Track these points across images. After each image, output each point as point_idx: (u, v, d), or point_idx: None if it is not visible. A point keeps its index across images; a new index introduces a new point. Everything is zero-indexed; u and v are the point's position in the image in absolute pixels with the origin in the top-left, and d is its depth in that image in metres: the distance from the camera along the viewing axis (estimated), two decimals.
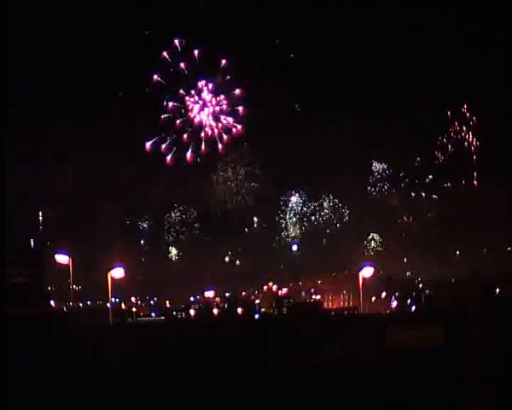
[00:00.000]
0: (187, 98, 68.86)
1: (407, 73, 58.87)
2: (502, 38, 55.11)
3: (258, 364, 26.94)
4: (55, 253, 43.32)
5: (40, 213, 64.67)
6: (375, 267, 45.53)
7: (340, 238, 64.85)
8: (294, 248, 67.96)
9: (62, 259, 43.01)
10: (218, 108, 69.58)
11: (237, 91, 68.45)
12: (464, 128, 63.50)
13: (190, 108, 69.02)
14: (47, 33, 57.39)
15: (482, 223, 58.75)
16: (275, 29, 61.47)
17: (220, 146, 69.60)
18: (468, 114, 63.43)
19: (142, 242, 68.90)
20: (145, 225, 68.23)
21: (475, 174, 62.96)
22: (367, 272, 44.21)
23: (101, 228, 63.27)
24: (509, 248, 62.61)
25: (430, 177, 64.38)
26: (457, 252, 62.66)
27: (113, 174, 63.61)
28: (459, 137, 63.67)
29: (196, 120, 69.16)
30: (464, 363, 23.05)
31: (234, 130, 69.40)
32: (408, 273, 62.66)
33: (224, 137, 69.36)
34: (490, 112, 60.39)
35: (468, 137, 63.16)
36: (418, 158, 64.41)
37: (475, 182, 62.92)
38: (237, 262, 67.47)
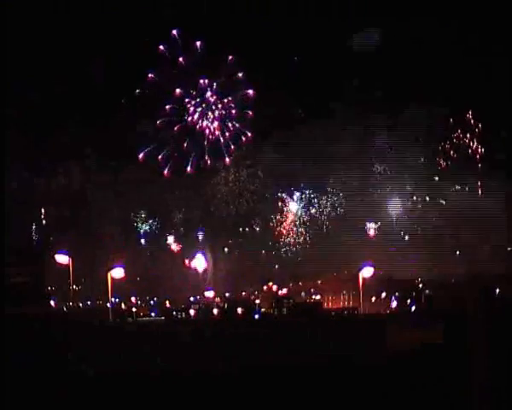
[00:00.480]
0: (186, 100, 62.01)
1: (409, 83, 59.06)
2: (502, 50, 55.48)
3: (259, 364, 26.95)
4: (55, 253, 43.46)
5: (41, 213, 64.23)
6: (375, 267, 45.67)
7: (341, 239, 64.81)
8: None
9: (62, 259, 43.16)
10: (224, 112, 62.15)
11: (251, 92, 61.18)
12: (468, 135, 63.68)
13: (191, 111, 62.21)
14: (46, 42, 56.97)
15: (483, 223, 58.83)
16: (277, 40, 60.21)
17: (228, 160, 62.19)
18: (472, 121, 63.49)
19: (142, 241, 68.09)
20: (147, 227, 67.90)
21: (479, 183, 63.01)
22: (367, 272, 44.36)
23: (101, 228, 63.12)
24: (509, 249, 62.58)
25: (436, 179, 64.51)
26: (457, 252, 62.63)
27: (114, 176, 63.17)
28: (461, 142, 63.86)
29: (198, 125, 62.10)
30: (464, 363, 23.05)
31: (244, 138, 62.15)
32: (409, 271, 62.69)
33: (232, 147, 61.95)
34: (490, 121, 60.96)
35: (472, 145, 63.37)
36: (422, 159, 64.54)
37: (480, 191, 62.97)
38: (237, 263, 67.39)
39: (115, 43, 58.24)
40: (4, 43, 42.26)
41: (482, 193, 62.67)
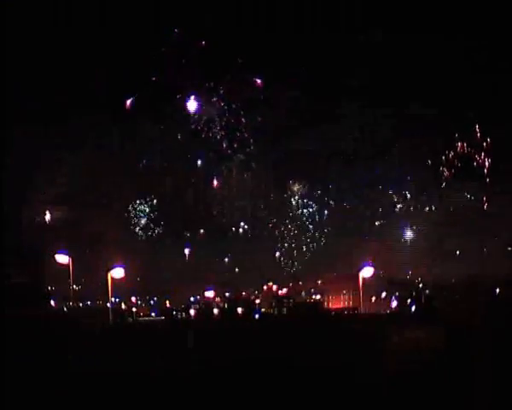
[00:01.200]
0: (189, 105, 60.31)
1: (414, 95, 59.09)
2: (509, 66, 55.64)
3: (258, 364, 26.96)
4: (55, 253, 43.44)
5: (42, 213, 63.88)
6: (375, 267, 45.65)
7: (340, 239, 64.82)
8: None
9: (62, 259, 43.15)
10: (233, 121, 56.29)
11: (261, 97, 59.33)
12: (472, 149, 63.90)
13: (195, 117, 56.31)
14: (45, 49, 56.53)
15: (483, 223, 58.90)
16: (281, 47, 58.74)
17: (233, 167, 57.42)
18: (478, 134, 63.57)
19: (141, 235, 67.21)
20: (148, 231, 67.41)
21: (485, 198, 63.24)
22: (367, 272, 44.36)
23: (102, 228, 62.91)
24: (510, 249, 62.63)
25: (443, 185, 64.67)
26: (457, 252, 62.67)
27: (115, 177, 62.80)
28: (464, 151, 64.06)
29: (203, 134, 56.05)
30: (465, 364, 23.06)
31: (252, 146, 56.88)
32: (408, 272, 62.73)
33: (240, 156, 61.15)
34: (494, 134, 61.42)
35: (479, 157, 63.54)
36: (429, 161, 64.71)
37: (486, 204, 63.11)
38: (237, 264, 67.34)
39: (116, 44, 58.07)
40: (4, 46, 42.27)
41: (487, 201, 62.91)
